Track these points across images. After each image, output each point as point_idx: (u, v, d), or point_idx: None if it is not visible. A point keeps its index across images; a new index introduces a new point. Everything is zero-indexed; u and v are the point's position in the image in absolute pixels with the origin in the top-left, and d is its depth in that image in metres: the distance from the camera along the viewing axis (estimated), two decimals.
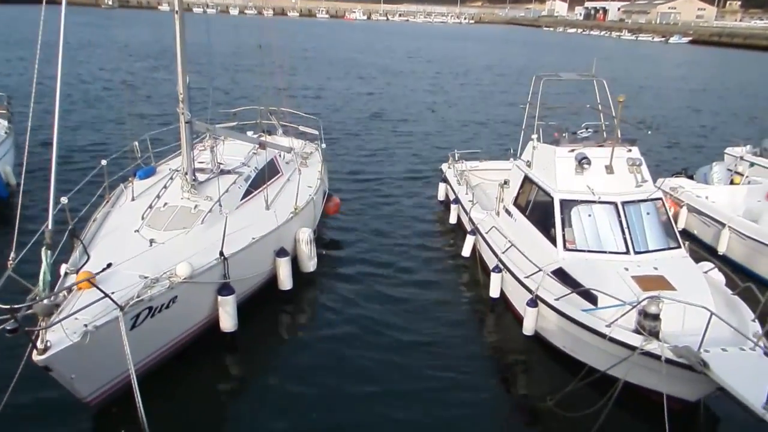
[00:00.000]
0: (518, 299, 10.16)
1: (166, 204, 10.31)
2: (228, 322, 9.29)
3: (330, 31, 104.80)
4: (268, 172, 12.61)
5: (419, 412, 8.22)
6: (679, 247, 10.07)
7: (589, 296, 8.89)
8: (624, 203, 10.05)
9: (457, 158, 16.25)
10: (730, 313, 8.73)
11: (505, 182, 12.24)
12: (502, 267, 10.78)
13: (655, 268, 9.33)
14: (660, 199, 10.40)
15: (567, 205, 10.17)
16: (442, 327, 10.37)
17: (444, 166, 16.41)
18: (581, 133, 11.55)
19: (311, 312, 10.96)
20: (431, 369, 9.14)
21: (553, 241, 10.05)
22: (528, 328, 9.72)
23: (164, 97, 29.67)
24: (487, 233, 11.86)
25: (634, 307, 8.09)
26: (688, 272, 9.44)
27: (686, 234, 14.69)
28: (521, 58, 67.19)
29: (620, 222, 9.91)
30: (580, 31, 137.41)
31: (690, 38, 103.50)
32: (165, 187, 10.96)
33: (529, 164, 11.66)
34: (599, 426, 7.55)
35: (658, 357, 7.61)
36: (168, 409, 7.95)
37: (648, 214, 10.20)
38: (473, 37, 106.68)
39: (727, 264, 13.11)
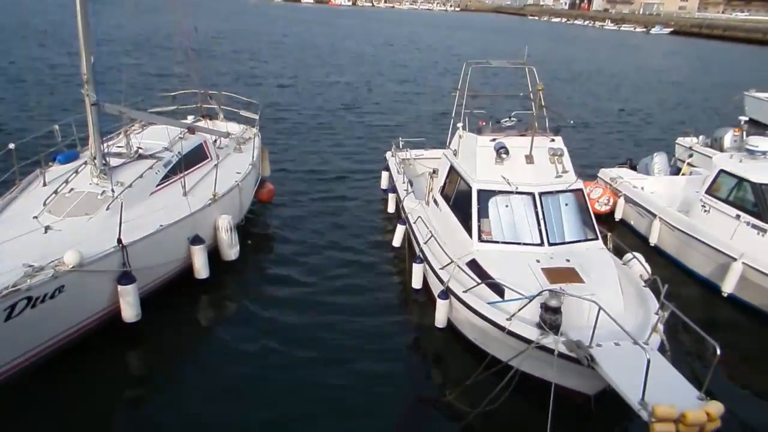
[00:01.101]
0: (435, 291, 10.00)
1: (72, 189, 9.98)
2: (129, 312, 9.00)
3: (314, 16, 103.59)
4: (194, 158, 12.30)
5: (319, 406, 8.06)
6: (596, 238, 9.94)
7: (498, 288, 8.75)
8: (541, 194, 9.88)
9: (401, 146, 16.01)
10: (638, 306, 8.63)
11: (434, 171, 12.03)
12: (422, 258, 10.60)
13: (568, 260, 9.19)
14: (580, 189, 10.24)
15: (484, 195, 9.98)
16: (361, 318, 10.20)
17: (388, 154, 16.17)
18: (505, 122, 11.34)
19: (227, 302, 10.72)
20: (340, 362, 8.97)
21: (470, 231, 9.87)
22: (440, 320, 9.57)
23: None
24: (414, 223, 11.67)
25: (530, 300, 7.95)
26: (601, 264, 9.31)
27: (624, 224, 14.68)
28: (501, 46, 66.84)
29: (536, 213, 9.74)
30: (564, 20, 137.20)
31: (671, 29, 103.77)
32: (76, 172, 10.62)
33: (455, 153, 11.45)
34: (500, 418, 7.47)
35: (551, 351, 7.50)
36: (61, 400, 7.76)
37: (567, 205, 10.05)
38: (459, 25, 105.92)
39: (658, 255, 13.15)
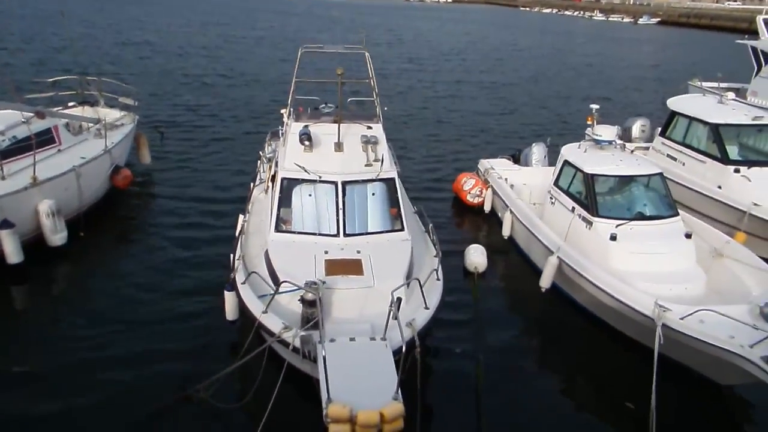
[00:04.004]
0: None
1: None
2: None
3: (307, 9, 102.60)
4: (36, 143, 12.02)
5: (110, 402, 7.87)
6: (401, 229, 9.60)
7: (277, 280, 8.48)
8: (346, 183, 9.56)
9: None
10: (416, 299, 8.34)
11: (269, 160, 11.72)
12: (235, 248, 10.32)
13: (358, 252, 8.89)
14: (391, 179, 9.90)
15: (288, 183, 9.68)
16: (169, 314, 9.85)
17: (266, 144, 15.85)
18: (323, 108, 10.99)
19: (38, 287, 10.51)
20: (127, 360, 8.70)
21: (270, 221, 9.58)
22: (229, 312, 9.25)
23: None
24: (249, 212, 11.37)
25: (276, 293, 7.70)
26: (394, 256, 8.99)
27: (494, 216, 14.37)
28: (481, 37, 66.25)
29: (337, 203, 9.43)
30: (555, 11, 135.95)
31: (659, 19, 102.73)
32: None
33: (285, 142, 11.14)
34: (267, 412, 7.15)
35: (287, 345, 7.26)
36: None
37: (374, 194, 9.73)
38: (450, 17, 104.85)
39: (513, 248, 12.87)
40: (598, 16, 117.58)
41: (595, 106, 12.72)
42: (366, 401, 5.96)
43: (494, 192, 13.99)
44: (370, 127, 10.27)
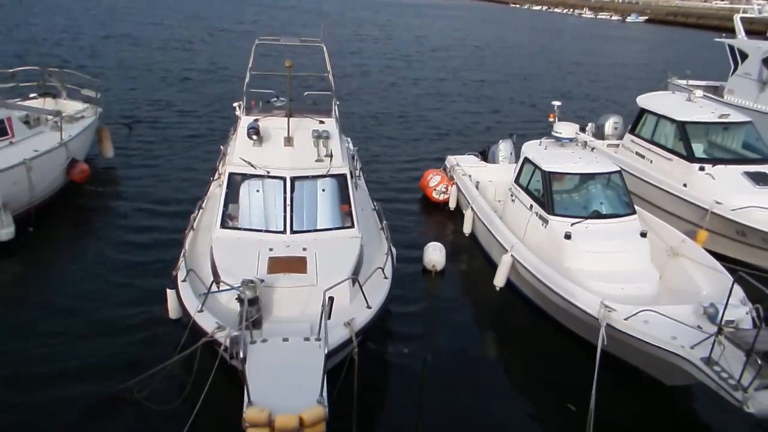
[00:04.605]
0: None
1: None
2: None
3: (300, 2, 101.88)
4: None
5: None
6: (351, 226, 9.41)
7: (218, 278, 8.26)
8: (294, 178, 9.35)
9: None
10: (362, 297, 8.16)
11: (224, 154, 11.49)
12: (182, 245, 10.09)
13: (304, 249, 8.69)
14: (342, 175, 9.70)
15: (235, 179, 9.47)
16: (122, 309, 9.69)
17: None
18: (275, 101, 10.77)
19: None
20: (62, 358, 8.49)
21: (217, 217, 9.36)
22: (171, 310, 9.04)
23: None
24: (203, 207, 11.13)
25: (209, 292, 7.49)
26: (342, 254, 8.79)
27: (459, 212, 14.21)
28: (470, 34, 66.08)
29: (284, 198, 9.22)
30: (545, 8, 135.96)
31: (647, 17, 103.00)
32: None
33: (235, 137, 10.91)
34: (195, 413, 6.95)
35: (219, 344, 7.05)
36: None
37: (324, 190, 9.52)
38: (441, 14, 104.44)
39: (474, 246, 12.72)
40: (587, 14, 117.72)
41: (556, 103, 12.59)
42: (288, 404, 5.78)
43: (458, 189, 13.82)
44: (322, 122, 10.04)
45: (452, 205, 14.22)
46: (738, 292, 8.24)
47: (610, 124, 18.24)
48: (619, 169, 10.81)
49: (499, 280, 10.30)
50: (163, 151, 17.73)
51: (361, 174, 13.33)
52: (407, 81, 33.23)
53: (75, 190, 13.74)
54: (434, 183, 14.52)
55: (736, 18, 26.12)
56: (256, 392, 5.94)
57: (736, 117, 14.23)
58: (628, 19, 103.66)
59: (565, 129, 11.53)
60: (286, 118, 9.85)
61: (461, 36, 63.11)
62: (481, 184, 13.78)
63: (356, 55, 42.03)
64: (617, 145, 16.58)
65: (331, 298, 7.09)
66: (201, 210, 10.71)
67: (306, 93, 11.39)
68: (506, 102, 29.43)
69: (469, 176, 13.65)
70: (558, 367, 9.01)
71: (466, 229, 12.76)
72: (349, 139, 15.77)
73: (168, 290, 8.82)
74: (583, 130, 18.49)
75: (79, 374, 8.15)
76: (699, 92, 15.54)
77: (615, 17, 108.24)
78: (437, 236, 12.96)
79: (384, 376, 8.61)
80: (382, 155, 19.04)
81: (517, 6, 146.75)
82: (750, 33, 26.02)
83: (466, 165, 14.38)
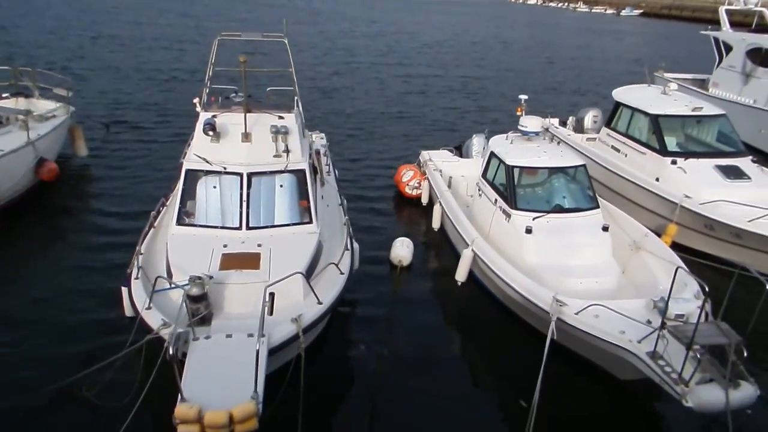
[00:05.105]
0: None
1: None
2: None
3: None
4: None
5: None
6: (310, 222, 9.35)
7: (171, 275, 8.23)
8: (251, 174, 9.29)
9: None
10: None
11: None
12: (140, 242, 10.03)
13: (259, 245, 8.64)
14: (301, 170, 9.63)
15: (192, 175, 9.41)
16: (80, 309, 9.64)
17: None
18: (233, 97, 10.69)
19: None
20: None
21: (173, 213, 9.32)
22: (126, 308, 8.95)
23: None
24: (167, 204, 11.07)
25: (155, 291, 7.44)
26: (297, 250, 8.73)
27: (431, 207, 14.11)
28: (465, 29, 65.84)
29: (241, 194, 9.16)
30: (540, 2, 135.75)
31: (641, 10, 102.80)
32: None
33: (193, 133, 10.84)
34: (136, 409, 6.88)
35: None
36: None
37: (281, 186, 9.46)
38: (436, 9, 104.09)
39: (443, 240, 12.67)
40: (582, 8, 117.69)
41: (523, 97, 12.51)
42: (220, 401, 5.74)
43: (430, 184, 13.76)
44: (282, 117, 9.97)
45: (425, 200, 14.17)
46: (692, 286, 8.22)
47: (590, 117, 18.15)
48: (583, 163, 10.74)
49: (461, 275, 10.24)
50: (141, 152, 17.57)
51: (333, 169, 13.31)
52: (395, 77, 33.08)
53: (44, 189, 13.67)
54: (407, 178, 14.46)
55: (721, 10, 26.00)
56: (189, 388, 5.93)
57: (709, 110, 14.14)
58: (623, 12, 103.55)
59: (530, 123, 11.46)
60: (247, 114, 9.78)
61: (455, 31, 62.96)
62: (454, 179, 13.72)
63: (345, 52, 41.89)
64: (595, 139, 16.52)
65: (272, 294, 7.05)
66: (165, 207, 10.67)
67: (269, 89, 11.31)
68: (496, 97, 29.29)
69: (440, 171, 13.58)
70: (516, 363, 8.95)
71: (435, 224, 12.72)
72: (323, 135, 15.73)
73: (122, 288, 8.76)
74: (564, 124, 18.49)
75: (29, 370, 8.12)
76: (674, 85, 15.45)
77: (610, 11, 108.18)
78: (408, 231, 12.94)
79: (339, 373, 8.57)
80: (363, 151, 18.96)
81: (512, 0, 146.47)
82: (736, 25, 25.91)
83: (439, 160, 14.31)
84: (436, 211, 12.62)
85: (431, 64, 38.65)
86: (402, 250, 11.41)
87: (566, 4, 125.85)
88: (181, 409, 5.56)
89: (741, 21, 28.78)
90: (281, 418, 6.86)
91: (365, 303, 10.29)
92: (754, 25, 25.21)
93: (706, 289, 7.70)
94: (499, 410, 8.08)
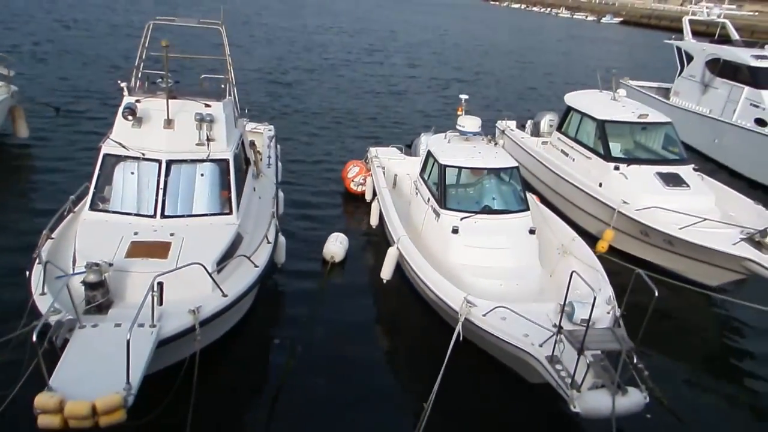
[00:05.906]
0: None
1: None
2: None
3: None
4: None
5: None
6: (229, 213, 9.11)
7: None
8: (171, 162, 9.04)
9: None
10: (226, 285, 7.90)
11: None
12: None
13: (172, 234, 8.40)
14: (225, 160, 9.40)
15: (109, 160, 9.13)
16: None
17: None
18: (160, 82, 10.41)
19: None
20: None
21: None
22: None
23: None
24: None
25: (45, 277, 7.17)
26: (211, 241, 8.48)
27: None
28: (446, 31, 65.79)
29: (158, 182, 8.91)
30: (523, 6, 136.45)
31: (621, 18, 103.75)
32: None
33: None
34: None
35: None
36: None
37: (202, 175, 9.22)
38: (420, 9, 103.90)
39: (381, 237, 12.52)
40: (564, 14, 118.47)
41: (464, 96, 12.43)
42: (86, 391, 5.51)
43: (373, 180, 13.61)
44: (208, 105, 9.72)
45: (368, 196, 14.00)
46: (606, 291, 8.19)
47: (546, 121, 18.17)
48: (516, 165, 10.66)
49: (386, 273, 10.09)
50: (87, 136, 17.09)
51: (277, 162, 13.11)
52: (370, 76, 32.76)
53: None
54: (353, 174, 14.30)
55: (685, 20, 26.29)
56: (58, 377, 5.71)
57: (655, 117, 14.19)
58: (603, 19, 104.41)
59: (468, 123, 11.37)
60: (171, 100, 9.51)
61: (437, 33, 62.84)
62: (400, 176, 13.61)
63: (323, 48, 41.57)
64: (546, 143, 16.52)
65: (161, 284, 6.84)
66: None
67: (202, 76, 11.06)
68: (470, 101, 29.10)
69: (384, 168, 13.43)
70: (431, 362, 8.80)
71: (374, 221, 12.57)
72: (272, 127, 15.46)
73: (27, 272, 8.48)
74: (522, 127, 18.49)
75: None
76: (623, 91, 15.50)
77: (590, 18, 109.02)
78: (347, 228, 12.76)
79: (245, 371, 8.37)
80: (318, 147, 18.74)
81: (497, 4, 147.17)
82: (700, 35, 26.17)
83: (385, 157, 14.16)
84: (374, 207, 12.48)
85: (409, 64, 38.47)
86: (335, 246, 11.25)
87: (549, 9, 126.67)
88: (41, 399, 5.33)
89: (704, 31, 29.05)
90: (171, 416, 6.65)
91: (289, 299, 10.11)
92: (716, 36, 25.46)
93: (611, 296, 7.68)
94: (397, 411, 7.89)
